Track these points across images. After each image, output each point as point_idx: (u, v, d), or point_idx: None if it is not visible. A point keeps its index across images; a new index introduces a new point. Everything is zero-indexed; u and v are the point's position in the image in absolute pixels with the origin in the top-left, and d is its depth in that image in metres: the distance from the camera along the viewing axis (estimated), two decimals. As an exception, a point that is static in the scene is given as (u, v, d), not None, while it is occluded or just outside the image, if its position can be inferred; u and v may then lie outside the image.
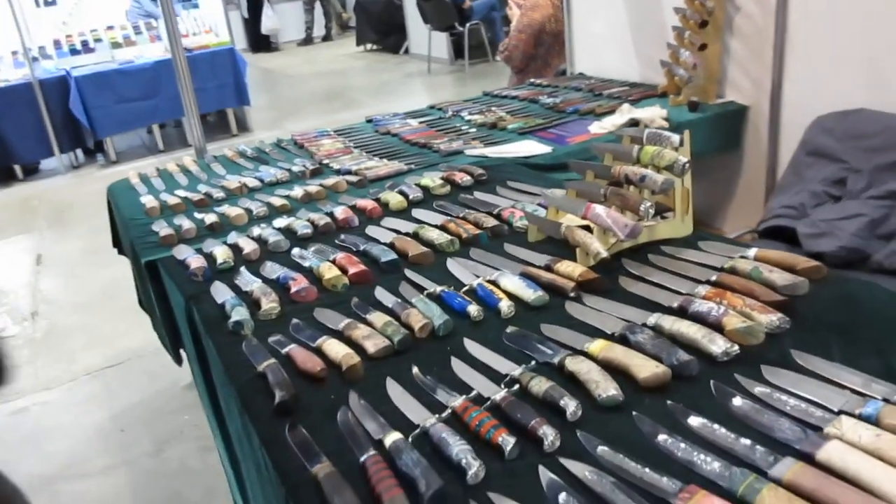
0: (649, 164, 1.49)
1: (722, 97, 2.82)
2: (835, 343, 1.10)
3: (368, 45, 11.58)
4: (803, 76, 2.54)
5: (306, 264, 1.60)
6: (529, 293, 1.34)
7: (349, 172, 2.31)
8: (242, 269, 1.63)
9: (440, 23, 9.13)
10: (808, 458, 0.88)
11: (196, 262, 1.66)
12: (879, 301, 1.21)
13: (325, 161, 2.49)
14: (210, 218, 1.96)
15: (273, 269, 1.59)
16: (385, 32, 11.09)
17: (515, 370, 1.13)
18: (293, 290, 1.47)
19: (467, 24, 8.96)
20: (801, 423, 0.95)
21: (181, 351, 2.46)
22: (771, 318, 1.15)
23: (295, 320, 1.37)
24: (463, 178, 2.01)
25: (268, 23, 12.04)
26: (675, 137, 1.49)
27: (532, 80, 3.63)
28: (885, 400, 0.94)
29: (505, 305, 1.32)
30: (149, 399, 2.75)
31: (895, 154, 2.10)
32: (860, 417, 0.93)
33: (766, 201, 2.68)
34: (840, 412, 0.95)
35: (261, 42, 12.32)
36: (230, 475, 1.67)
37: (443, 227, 1.70)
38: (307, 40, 12.63)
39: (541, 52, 3.95)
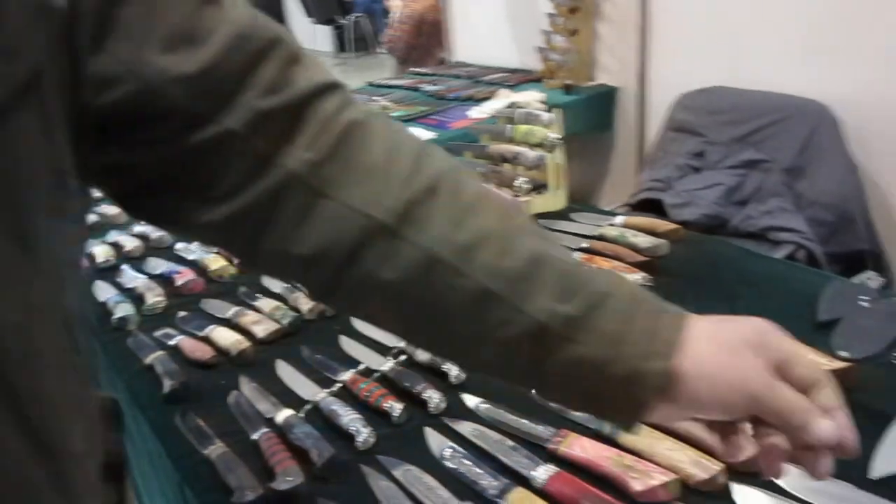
0: (523, 142, 1.57)
1: (594, 80, 2.96)
2: (690, 294, 1.20)
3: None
4: (666, 58, 2.71)
5: (191, 257, 1.59)
6: (413, 270, 1.39)
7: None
8: (124, 266, 1.61)
9: (322, 15, 9.07)
10: (668, 399, 0.97)
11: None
12: (729, 256, 1.33)
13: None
14: (89, 218, 1.92)
15: (157, 265, 1.58)
16: (266, 27, 10.91)
17: (402, 342, 1.18)
18: (178, 282, 1.47)
19: (350, 17, 8.94)
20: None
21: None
22: (635, 277, 1.25)
23: (182, 313, 1.37)
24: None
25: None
26: (546, 115, 1.57)
27: (414, 69, 3.69)
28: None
29: (391, 283, 1.36)
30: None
31: (747, 127, 2.27)
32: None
33: (636, 177, 2.84)
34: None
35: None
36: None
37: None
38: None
39: (422, 41, 4.01)
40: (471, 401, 1.03)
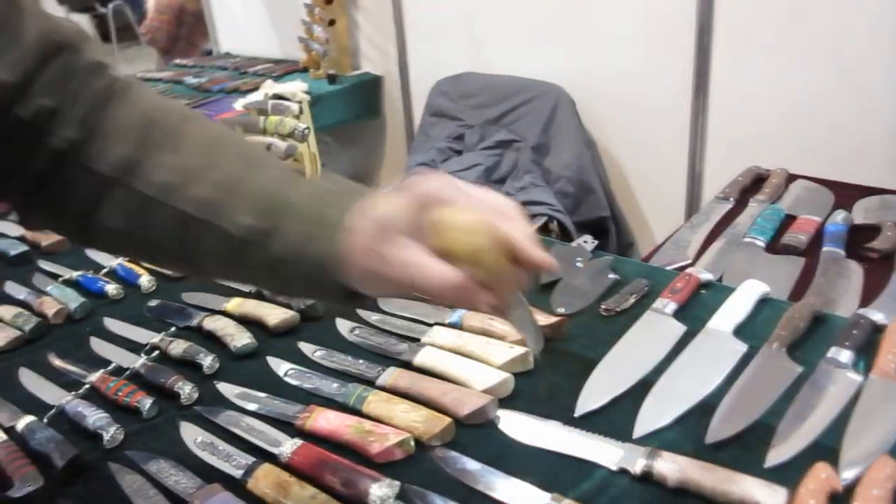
0: (274, 133, 1.59)
1: (358, 69, 3.04)
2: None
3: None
4: (421, 46, 2.84)
5: (-82, 270, 1.46)
6: (167, 265, 1.38)
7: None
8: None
9: (77, 3, 8.42)
10: (409, 366, 1.05)
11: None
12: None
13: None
14: None
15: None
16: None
17: (155, 338, 1.17)
18: None
19: (109, 5, 8.37)
20: (405, 338, 1.12)
21: None
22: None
23: None
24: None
25: None
26: (295, 106, 1.61)
27: (177, 61, 3.57)
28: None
29: (145, 280, 1.34)
30: None
31: (496, 109, 2.46)
32: (448, 325, 1.12)
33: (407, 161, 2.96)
34: (435, 324, 1.14)
35: None
36: None
37: (78, 214, 1.65)
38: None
39: (184, 32, 3.88)
40: (224, 388, 1.06)
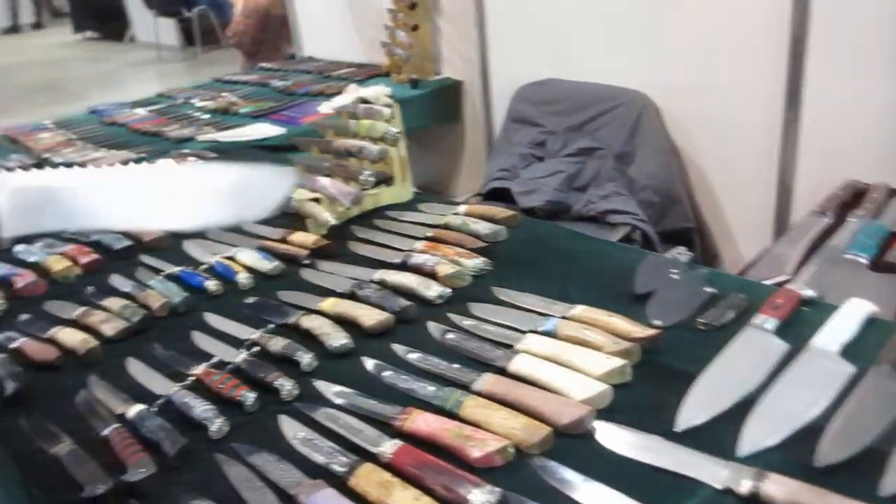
0: (366, 137, 1.62)
1: (439, 73, 3.06)
2: (526, 277, 1.30)
3: (87, 33, 10.74)
4: (504, 51, 2.84)
5: (32, 259, 1.54)
6: (265, 264, 1.42)
7: (74, 165, 2.21)
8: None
9: (164, 8, 8.71)
10: (503, 372, 1.06)
11: None
12: (560, 239, 1.45)
13: (46, 155, 2.35)
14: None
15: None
16: (103, 19, 10.33)
17: (254, 334, 1.21)
18: (18, 285, 1.42)
19: (194, 9, 8.64)
20: (498, 344, 1.13)
21: None
22: (475, 262, 1.34)
23: (23, 315, 1.33)
24: (195, 163, 2.02)
25: (-38, 9, 10.72)
26: (386, 111, 1.63)
27: (262, 64, 3.66)
28: (560, 317, 1.15)
29: (243, 277, 1.39)
30: None
31: (579, 116, 2.44)
32: (541, 333, 1.12)
33: (486, 166, 2.97)
34: (528, 331, 1.14)
35: (-45, 30, 10.95)
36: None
37: (176, 212, 1.71)
38: (14, 28, 11.42)
39: (269, 36, 3.98)
40: (322, 387, 1.08)
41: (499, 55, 2.86)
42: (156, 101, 3.08)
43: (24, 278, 1.44)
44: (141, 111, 2.88)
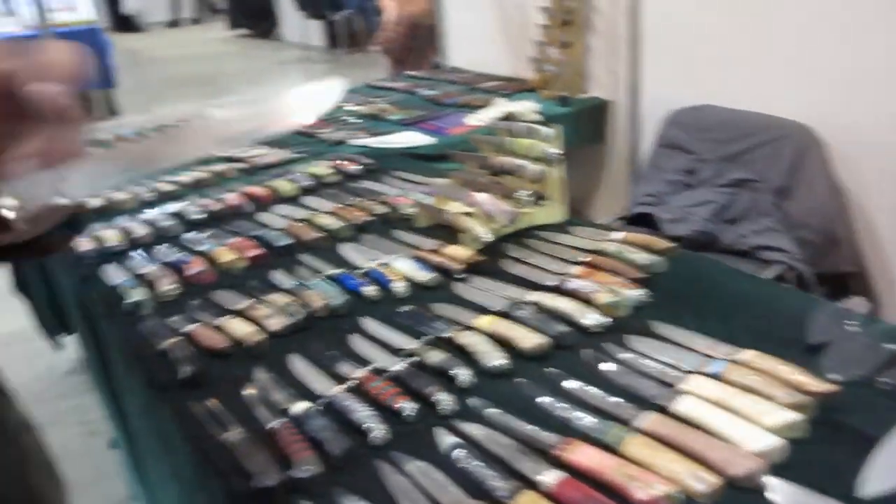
0: (525, 156, 1.62)
1: (587, 92, 3.03)
2: (687, 313, 1.26)
3: (240, 30, 11.33)
4: (657, 74, 2.78)
5: (201, 248, 1.63)
6: (422, 274, 1.44)
7: (237, 160, 2.32)
8: (133, 252, 1.64)
9: (313, 10, 9.07)
10: (664, 411, 1.03)
11: (86, 244, 1.66)
12: (723, 276, 1.40)
13: (208, 149, 2.48)
14: (96, 201, 1.95)
15: (166, 253, 1.61)
16: (257, 17, 10.88)
17: (411, 344, 1.23)
18: (189, 272, 1.50)
19: (341, 13, 8.95)
20: (658, 381, 1.10)
21: (59, 336, 2.41)
22: (634, 293, 1.31)
23: (194, 302, 1.41)
24: (351, 167, 2.08)
25: (131, 1, 11.53)
26: (546, 131, 1.63)
27: (409, 72, 3.73)
28: (728, 360, 1.11)
29: (399, 286, 1.41)
30: (26, 385, 2.67)
31: (736, 146, 2.36)
32: (707, 375, 1.09)
33: (629, 190, 2.91)
34: (691, 371, 1.11)
35: (123, 21, 11.78)
36: (126, 454, 1.69)
37: (334, 214, 1.77)
38: (174, 22, 12.19)
39: (417, 44, 4.06)
40: (477, 403, 1.08)
41: (652, 76, 2.80)
42: (309, 102, 3.19)
43: (193, 266, 1.52)
44: (296, 111, 2.98)
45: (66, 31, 5.97)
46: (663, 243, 1.49)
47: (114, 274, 1.53)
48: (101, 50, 6.15)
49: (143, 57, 9.86)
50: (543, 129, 1.65)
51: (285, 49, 9.99)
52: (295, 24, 9.58)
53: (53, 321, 2.29)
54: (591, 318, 1.25)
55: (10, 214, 0.37)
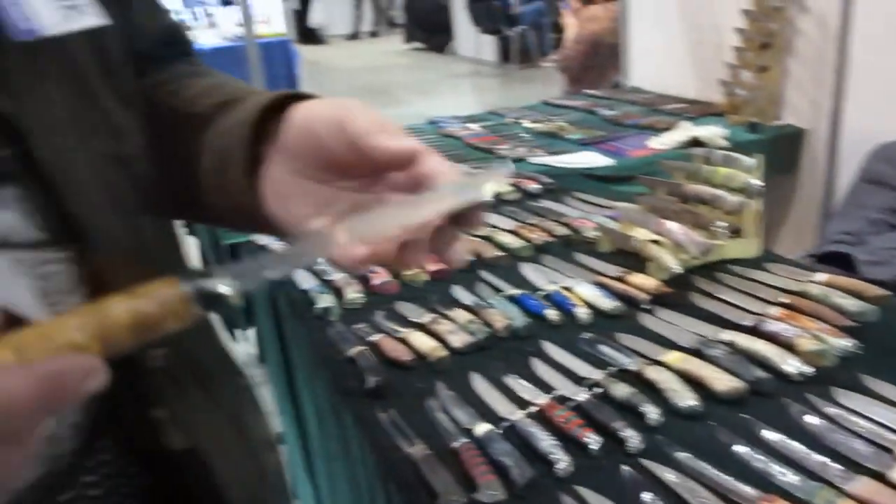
0: (722, 185, 1.54)
1: (780, 119, 2.86)
2: (908, 371, 1.15)
3: (415, 43, 11.69)
4: (864, 102, 2.57)
5: (384, 259, 1.66)
6: (606, 302, 1.40)
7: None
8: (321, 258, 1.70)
9: (488, 26, 9.21)
10: (881, 478, 0.93)
11: (278, 247, 1.75)
12: (948, 333, 1.26)
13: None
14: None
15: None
16: (432, 31, 11.19)
17: (595, 374, 1.19)
18: (375, 282, 1.54)
19: (515, 29, 9.02)
20: (872, 444, 1.00)
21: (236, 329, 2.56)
22: (842, 343, 1.20)
23: (379, 311, 1.44)
24: (531, 186, 2.07)
25: (316, 15, 12.20)
26: (749, 161, 1.54)
27: (587, 90, 3.69)
28: (957, 427, 0.99)
29: (582, 312, 1.38)
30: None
31: (957, 189, 2.13)
32: (933, 442, 0.98)
33: (820, 225, 2.72)
34: (913, 436, 1.00)
35: (308, 34, 12.48)
36: (294, 450, 1.76)
37: (515, 232, 1.76)
38: (354, 35, 12.77)
39: (597, 62, 4.00)
40: (667, 445, 1.03)
41: (856, 105, 2.60)
42: (487, 117, 3.22)
43: (379, 276, 1.56)
44: (474, 126, 3.02)
45: (264, 43, 6.40)
46: (875, 290, 1.36)
47: (304, 278, 1.59)
48: (290, 60, 6.54)
49: (324, 67, 10.39)
50: (744, 159, 1.56)
51: (457, 63, 10.20)
52: (468, 38, 9.76)
53: (234, 314, 2.43)
54: (792, 366, 1.16)
55: (226, 291, 0.37)
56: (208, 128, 0.60)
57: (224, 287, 0.36)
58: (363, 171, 0.53)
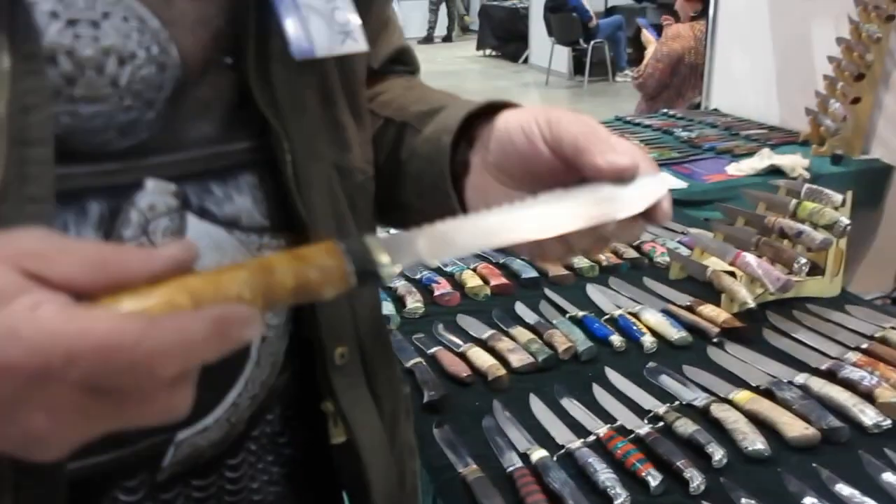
0: (806, 220, 1.48)
1: (867, 153, 2.75)
2: None
3: (488, 50, 11.68)
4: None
5: (448, 269, 1.65)
6: (673, 332, 1.35)
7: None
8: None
9: (564, 37, 9.13)
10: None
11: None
12: None
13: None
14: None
15: (416, 269, 1.65)
16: (506, 39, 11.17)
17: (659, 407, 1.15)
18: (437, 293, 1.53)
19: (591, 42, 8.92)
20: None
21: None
22: (923, 399, 1.14)
23: (440, 324, 1.42)
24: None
25: (393, 18, 12.29)
26: (837, 197, 1.47)
27: (665, 109, 3.61)
28: None
29: (648, 340, 1.34)
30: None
31: None
32: None
33: (899, 266, 2.60)
34: None
35: (383, 36, 12.57)
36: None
37: (582, 252, 1.72)
38: (428, 39, 12.83)
39: (675, 81, 3.92)
40: (730, 487, 0.99)
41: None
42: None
43: (441, 287, 1.54)
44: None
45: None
46: (963, 343, 1.29)
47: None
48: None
49: (397, 68, 10.44)
50: (832, 194, 1.50)
51: (528, 71, 10.16)
52: (543, 48, 9.69)
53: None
54: (869, 417, 1.10)
55: (389, 271, 0.38)
56: (416, 135, 0.63)
57: (383, 260, 0.37)
58: (567, 178, 0.51)
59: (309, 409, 0.61)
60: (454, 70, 10.44)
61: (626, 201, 0.48)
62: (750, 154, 2.67)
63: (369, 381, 0.63)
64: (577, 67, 9.42)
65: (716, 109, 3.54)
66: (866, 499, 0.96)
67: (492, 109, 0.57)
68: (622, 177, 0.48)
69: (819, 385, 1.18)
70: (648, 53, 4.05)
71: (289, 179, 0.54)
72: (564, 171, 0.51)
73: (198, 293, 0.34)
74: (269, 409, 0.60)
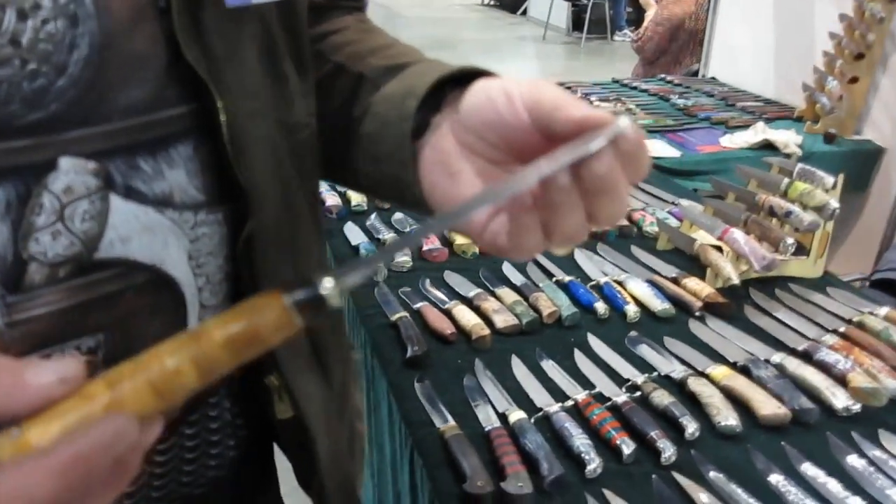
0: (797, 201, 1.49)
1: (859, 134, 2.75)
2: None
3: (488, 0, 11.49)
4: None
5: (438, 225, 1.64)
6: (657, 303, 1.37)
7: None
8: (374, 214, 1.69)
9: (566, -9, 8.99)
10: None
11: (331, 199, 1.74)
12: None
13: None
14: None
15: (404, 222, 1.65)
16: (507, -11, 10.99)
17: (637, 377, 1.17)
18: (425, 247, 1.53)
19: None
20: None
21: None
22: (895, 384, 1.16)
23: (427, 279, 1.43)
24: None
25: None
26: (829, 179, 1.48)
27: (663, 75, 3.58)
28: None
29: (631, 310, 1.35)
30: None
31: None
32: None
33: (881, 249, 2.63)
34: (957, 493, 0.97)
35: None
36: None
37: (571, 216, 1.72)
38: (427, -19, 12.57)
39: (674, 47, 3.89)
40: (699, 459, 1.01)
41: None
42: (555, 89, 3.15)
43: (430, 242, 1.54)
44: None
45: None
46: (938, 333, 1.31)
47: (355, 234, 1.59)
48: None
49: (393, 13, 10.26)
50: (824, 176, 1.51)
51: (526, 25, 10.01)
52: (542, 1, 9.55)
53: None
54: (840, 400, 1.13)
55: (327, 293, 0.34)
56: (373, 91, 0.57)
57: (325, 290, 0.34)
58: (537, 151, 0.45)
59: (256, 386, 0.58)
60: (453, 17, 10.28)
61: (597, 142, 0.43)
62: (744, 127, 2.67)
63: (317, 352, 0.60)
64: (576, 24, 9.30)
65: (713, 78, 3.52)
66: (830, 479, 0.99)
67: (464, 77, 0.51)
68: (598, 125, 0.43)
69: (794, 366, 1.20)
70: (648, 16, 4.00)
71: (225, 143, 0.48)
72: (537, 143, 0.46)
73: (115, 380, 0.30)
74: (211, 391, 0.57)
